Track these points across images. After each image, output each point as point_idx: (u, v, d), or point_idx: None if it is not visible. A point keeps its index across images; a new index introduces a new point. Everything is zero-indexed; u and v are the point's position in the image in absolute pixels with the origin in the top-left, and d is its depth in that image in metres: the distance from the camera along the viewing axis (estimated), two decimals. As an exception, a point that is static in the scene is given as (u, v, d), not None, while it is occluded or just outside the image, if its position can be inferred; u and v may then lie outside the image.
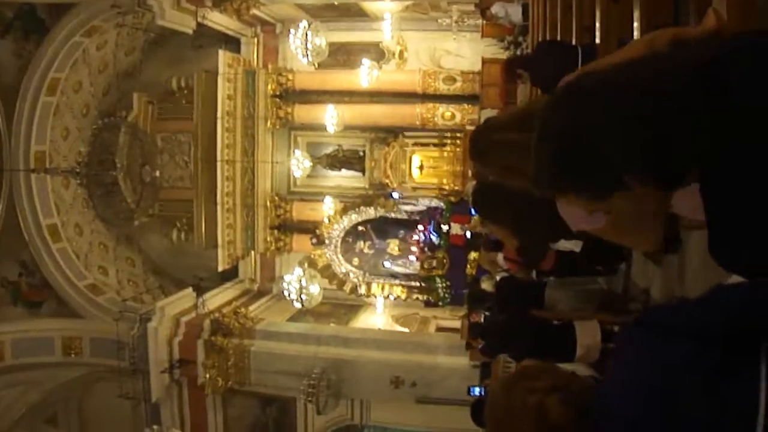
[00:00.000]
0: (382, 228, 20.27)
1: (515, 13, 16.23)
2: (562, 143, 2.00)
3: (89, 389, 20.83)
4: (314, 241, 19.82)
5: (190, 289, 19.94)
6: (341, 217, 20.17)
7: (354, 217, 20.15)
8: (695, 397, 1.90)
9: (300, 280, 18.68)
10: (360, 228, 20.20)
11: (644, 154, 1.89)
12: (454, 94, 20.73)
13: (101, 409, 20.45)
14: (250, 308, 20.45)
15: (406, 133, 21.18)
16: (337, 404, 18.17)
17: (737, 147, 1.85)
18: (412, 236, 19.70)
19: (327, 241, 19.91)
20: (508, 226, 4.63)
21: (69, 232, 20.56)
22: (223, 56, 20.66)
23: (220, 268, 21.19)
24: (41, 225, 19.78)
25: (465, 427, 9.78)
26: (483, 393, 14.23)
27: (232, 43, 21.90)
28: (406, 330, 21.07)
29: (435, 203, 19.79)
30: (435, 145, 21.16)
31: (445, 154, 21.04)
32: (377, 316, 21.78)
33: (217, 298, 20.64)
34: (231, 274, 22.42)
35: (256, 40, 22.02)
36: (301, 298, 18.65)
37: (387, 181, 21.20)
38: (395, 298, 20.41)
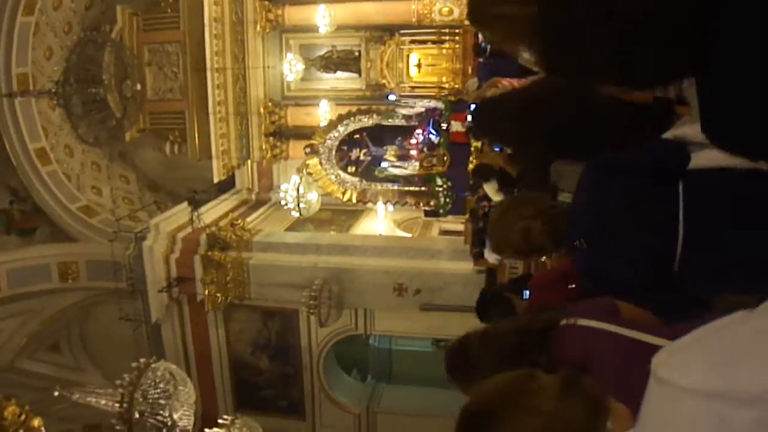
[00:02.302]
0: (379, 135, 19.49)
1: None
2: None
3: (90, 313, 20.45)
4: (308, 150, 19.14)
5: (185, 204, 19.30)
6: (336, 126, 19.41)
7: (349, 126, 19.40)
8: (629, 209, 2.89)
9: (297, 188, 18.15)
10: (356, 136, 19.46)
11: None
12: (450, -11, 19.87)
13: (104, 333, 20.06)
14: (248, 219, 19.89)
15: (403, 31, 20.36)
16: (340, 315, 17.72)
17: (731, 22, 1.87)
18: (410, 141, 18.94)
19: (321, 150, 19.18)
20: (508, 143, 5.00)
21: (59, 154, 19.93)
22: (208, -40, 19.76)
23: (215, 180, 20.69)
24: (29, 149, 19.12)
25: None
26: None
27: (219, -55, 20.93)
28: (409, 235, 20.59)
29: (433, 104, 18.98)
30: (433, 42, 20.37)
31: (444, 51, 20.29)
32: (379, 222, 21.32)
33: (214, 210, 20.00)
34: (228, 185, 21.86)
35: (242, -59, 21.06)
36: (299, 207, 18.15)
37: (384, 81, 20.53)
38: (394, 204, 19.77)
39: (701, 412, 1.45)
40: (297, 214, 18.41)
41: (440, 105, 18.61)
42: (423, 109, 18.70)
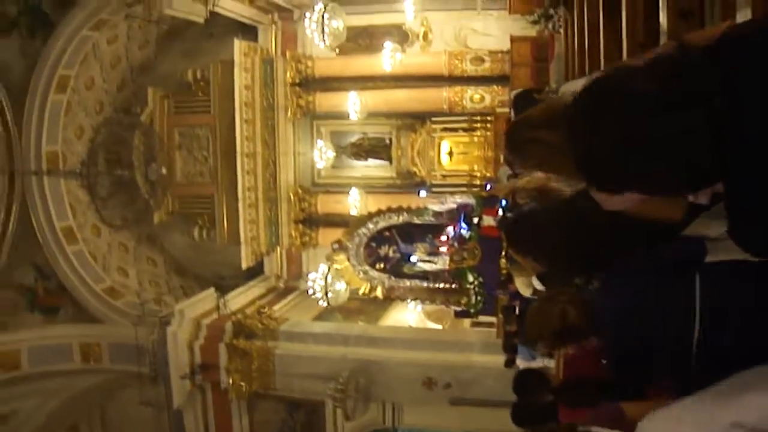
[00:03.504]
0: (409, 233, 19.22)
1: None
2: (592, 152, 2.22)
3: (111, 396, 20.13)
4: (336, 246, 18.90)
5: (211, 290, 19.16)
6: (365, 223, 19.18)
7: (379, 223, 19.16)
8: (650, 302, 3.15)
9: (325, 277, 17.93)
10: (385, 233, 19.21)
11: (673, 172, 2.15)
12: (482, 76, 19.80)
13: (124, 416, 19.81)
14: (276, 307, 19.62)
15: (434, 119, 20.18)
16: (367, 408, 17.30)
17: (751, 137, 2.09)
18: (440, 237, 18.65)
19: (349, 246, 18.92)
20: (540, 258, 4.53)
21: (86, 233, 19.87)
22: (239, 45, 19.81)
23: (243, 266, 20.40)
24: (55, 227, 19.05)
25: (502, 429, 9.40)
26: None
27: (249, 31, 21.00)
28: (439, 327, 20.26)
29: (464, 200, 18.72)
30: (464, 130, 20.16)
31: (476, 139, 20.07)
32: (408, 312, 20.92)
33: (241, 297, 19.82)
34: (257, 272, 21.61)
35: (273, 27, 21.06)
36: (327, 296, 17.93)
37: (415, 169, 20.33)
38: (423, 302, 19.40)
39: None
40: (325, 304, 18.16)
41: (471, 200, 18.35)
42: (454, 206, 18.41)
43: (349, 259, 18.66)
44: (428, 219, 18.71)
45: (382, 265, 18.90)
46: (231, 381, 17.56)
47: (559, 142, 2.70)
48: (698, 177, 2.19)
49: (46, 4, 18.00)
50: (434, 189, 20.15)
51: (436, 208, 18.60)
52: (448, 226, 18.26)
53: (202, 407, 18.68)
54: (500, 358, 14.78)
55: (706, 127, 2.03)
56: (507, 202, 13.86)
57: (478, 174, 19.99)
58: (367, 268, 18.83)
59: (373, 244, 19.01)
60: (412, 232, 18.93)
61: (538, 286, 9.69)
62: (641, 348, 3.23)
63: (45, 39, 18.23)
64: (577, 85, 6.22)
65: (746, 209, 2.20)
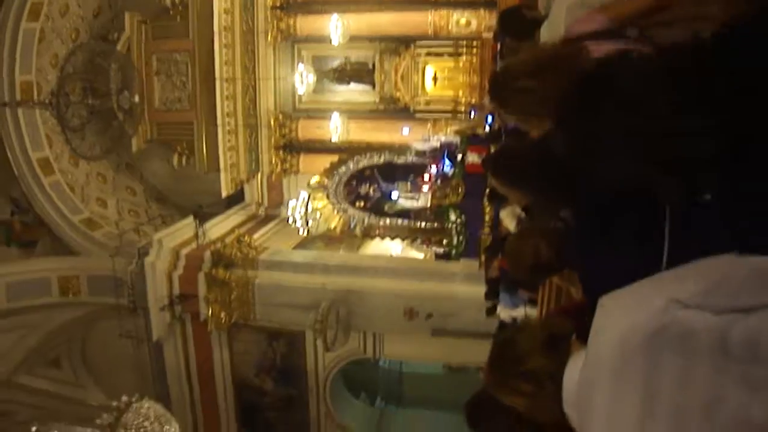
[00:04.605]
0: (390, 171, 18.89)
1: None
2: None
3: (91, 329, 19.91)
4: (314, 183, 18.59)
5: (190, 218, 18.76)
6: (346, 163, 18.83)
7: (360, 162, 18.80)
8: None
9: (306, 205, 17.60)
10: (366, 172, 18.87)
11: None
12: (469, 0, 19.32)
13: (105, 349, 19.61)
14: (256, 235, 19.29)
15: (418, 43, 19.65)
16: (347, 339, 17.09)
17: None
18: (422, 177, 18.28)
19: (328, 184, 18.59)
20: (525, 192, 4.55)
21: (63, 164, 19.49)
22: (218, -33, 19.20)
23: (223, 194, 20.08)
24: (31, 159, 18.69)
25: (484, 360, 8.87)
26: None
27: (228, -48, 20.41)
28: (421, 256, 19.94)
29: (448, 138, 18.31)
30: (450, 54, 19.64)
31: (461, 64, 19.54)
32: (390, 242, 20.62)
33: (221, 225, 19.48)
34: (238, 199, 21.27)
35: (252, -53, 20.51)
36: (307, 224, 17.62)
37: (398, 94, 19.84)
38: (403, 241, 19.08)
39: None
40: (304, 232, 17.86)
41: (455, 139, 17.94)
42: (437, 144, 18.04)
43: (328, 197, 18.36)
44: (411, 158, 18.37)
45: (362, 203, 18.63)
46: (210, 311, 17.37)
47: (544, 91, 2.73)
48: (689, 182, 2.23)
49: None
50: (418, 115, 19.72)
51: (419, 146, 18.26)
52: (431, 164, 17.89)
53: (182, 339, 18.54)
54: (482, 290, 14.60)
55: (715, 136, 2.03)
56: (493, 117, 13.48)
57: (463, 100, 19.53)
58: (346, 206, 18.57)
59: (354, 183, 18.72)
60: (394, 171, 18.65)
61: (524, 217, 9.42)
62: (614, 277, 2.85)
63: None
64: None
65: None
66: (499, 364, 2.87)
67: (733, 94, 2.02)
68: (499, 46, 14.09)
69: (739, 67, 2.07)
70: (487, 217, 15.58)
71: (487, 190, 13.51)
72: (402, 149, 18.60)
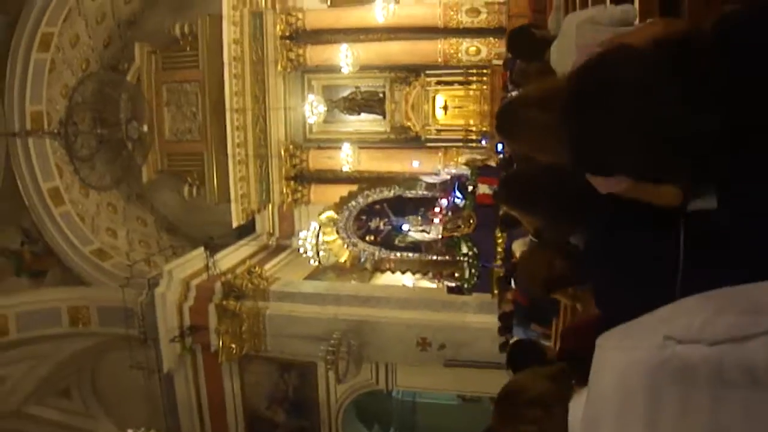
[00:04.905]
0: (401, 205, 18.84)
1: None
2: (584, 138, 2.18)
3: (101, 360, 19.91)
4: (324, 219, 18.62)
5: (200, 249, 18.72)
6: (356, 197, 18.79)
7: (370, 197, 18.76)
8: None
9: (316, 236, 17.55)
10: (376, 206, 18.84)
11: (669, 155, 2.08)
12: (478, 27, 19.29)
13: (115, 380, 19.58)
14: (267, 266, 19.23)
15: (428, 72, 19.68)
16: (359, 370, 16.98)
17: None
18: (433, 210, 18.19)
19: (338, 218, 18.56)
20: (538, 216, 4.52)
21: (73, 194, 19.58)
22: (227, -2, 19.25)
23: (234, 224, 20.05)
24: (41, 189, 18.74)
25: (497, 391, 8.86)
26: None
27: (238, -18, 20.46)
28: (433, 286, 19.85)
29: (459, 170, 18.24)
30: (460, 83, 19.69)
31: (471, 92, 19.61)
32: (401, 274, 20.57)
33: (232, 256, 19.43)
34: (250, 229, 21.22)
35: (262, -23, 20.57)
36: (318, 255, 17.57)
37: (409, 123, 19.80)
38: (414, 274, 18.99)
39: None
40: (315, 263, 17.81)
41: (466, 171, 17.88)
42: (448, 177, 17.97)
43: (338, 232, 18.33)
44: (421, 192, 18.32)
45: (372, 237, 18.58)
46: (221, 343, 17.30)
47: (553, 123, 2.44)
48: (699, 173, 2.18)
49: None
50: (429, 144, 19.75)
51: (430, 179, 18.20)
52: (441, 197, 17.81)
53: (193, 370, 18.48)
54: (494, 319, 14.51)
55: (718, 130, 1.98)
56: (504, 145, 13.42)
57: (474, 128, 19.50)
58: (356, 240, 18.53)
59: (364, 217, 18.67)
60: (404, 205, 18.60)
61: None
62: (628, 297, 3.03)
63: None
64: (581, 16, 5.78)
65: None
66: (506, 396, 2.95)
67: (736, 82, 2.00)
68: (508, 74, 14.04)
69: (741, 54, 2.08)
70: (499, 249, 15.48)
71: (500, 218, 13.45)
72: (412, 183, 18.54)
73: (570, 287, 5.06)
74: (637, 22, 5.24)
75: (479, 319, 15.94)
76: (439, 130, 19.88)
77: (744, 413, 1.84)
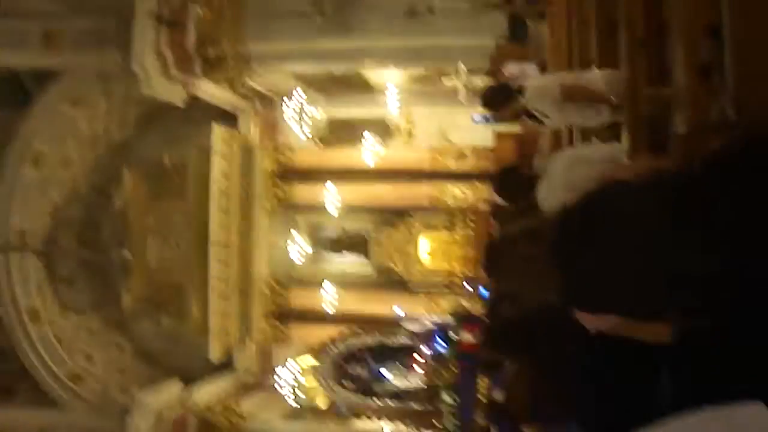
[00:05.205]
0: (381, 353, 18.81)
1: (533, 72, 14.73)
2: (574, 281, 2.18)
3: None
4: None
5: (176, 381, 18.54)
6: (335, 343, 18.79)
7: (350, 343, 18.75)
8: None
9: (295, 375, 17.44)
10: (357, 353, 18.82)
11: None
12: (465, 172, 19.58)
13: None
14: (244, 403, 19.03)
15: (414, 214, 19.90)
16: None
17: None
18: (414, 358, 18.10)
19: (317, 365, 18.52)
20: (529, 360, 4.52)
21: (52, 315, 19.35)
22: (218, 131, 19.37)
23: (211, 358, 19.71)
24: (20, 307, 18.68)
25: None
26: None
27: (230, 118, 20.64)
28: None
29: (442, 320, 18.20)
30: (445, 227, 19.84)
31: (457, 237, 19.75)
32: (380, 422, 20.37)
33: (209, 389, 19.18)
34: (227, 363, 20.91)
35: (254, 114, 20.74)
36: (297, 395, 17.41)
37: (392, 265, 19.86)
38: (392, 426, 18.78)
39: None
40: (293, 403, 17.65)
41: (449, 320, 17.83)
42: (431, 326, 17.94)
43: (316, 377, 18.24)
44: (402, 340, 18.27)
45: (351, 384, 18.49)
46: (194, 481, 16.91)
47: (541, 256, 2.49)
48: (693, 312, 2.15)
49: (25, 76, 17.88)
50: (413, 287, 19.81)
51: (412, 327, 18.14)
52: (423, 345, 17.72)
53: (164, 508, 18.01)
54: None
55: (707, 257, 2.00)
56: (489, 291, 13.45)
57: (459, 273, 19.56)
58: (335, 386, 18.45)
59: (343, 363, 18.60)
60: (385, 352, 18.52)
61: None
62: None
63: (21, 111, 18.09)
64: (570, 155, 5.95)
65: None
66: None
67: (728, 211, 2.02)
68: (493, 219, 14.15)
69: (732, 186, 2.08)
70: (481, 398, 15.32)
71: (483, 362, 13.43)
72: (393, 330, 18.50)
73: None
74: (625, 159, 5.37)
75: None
76: (423, 273, 19.92)
77: None
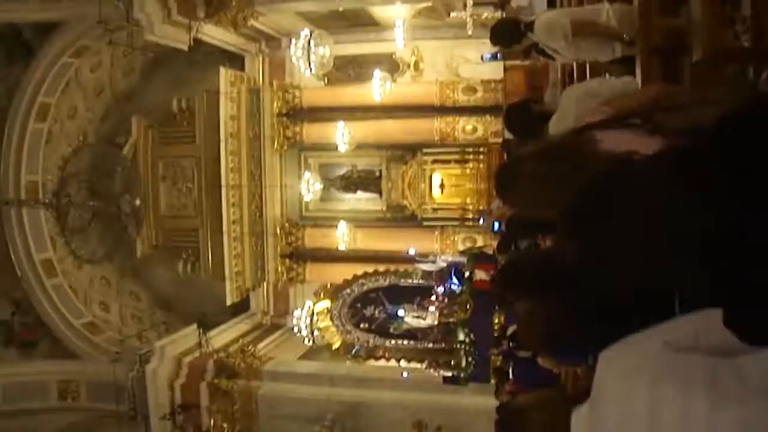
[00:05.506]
0: (396, 294, 18.67)
1: (540, 3, 14.48)
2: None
3: (90, 436, 19.46)
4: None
5: (193, 326, 18.59)
6: (350, 285, 18.67)
7: (365, 285, 18.63)
8: None
9: (311, 316, 17.38)
10: (371, 295, 18.69)
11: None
12: (475, 106, 19.35)
13: (103, 457, 19.14)
14: (260, 345, 19.06)
15: (425, 150, 19.69)
16: (354, 452, 16.67)
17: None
18: (429, 298, 17.97)
19: (332, 306, 18.43)
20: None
21: (66, 266, 19.31)
22: (225, 74, 19.23)
23: (228, 302, 19.73)
24: (34, 260, 18.58)
25: None
26: None
27: (236, 60, 20.52)
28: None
29: (455, 258, 18.04)
30: (456, 161, 19.67)
31: (468, 171, 19.56)
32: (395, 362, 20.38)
33: (226, 334, 19.28)
34: (244, 307, 20.99)
35: (260, 55, 20.64)
36: (312, 335, 17.39)
37: (405, 202, 19.79)
38: (407, 370, 18.66)
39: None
40: (310, 343, 17.63)
41: (462, 259, 17.67)
42: (444, 265, 17.76)
43: (332, 319, 18.17)
44: (417, 281, 18.18)
45: (366, 325, 18.40)
46: (213, 422, 17.02)
47: (551, 173, 2.77)
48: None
49: (26, 29, 17.58)
50: (426, 223, 19.76)
51: (426, 267, 18.02)
52: (437, 285, 17.61)
53: (184, 449, 18.07)
54: (492, 400, 14.30)
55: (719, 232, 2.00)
56: (500, 225, 13.35)
57: (471, 207, 19.45)
58: (351, 327, 18.36)
59: (358, 305, 18.51)
60: (400, 293, 18.42)
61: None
62: None
63: (25, 65, 17.83)
64: (580, 89, 5.80)
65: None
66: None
67: (739, 184, 2.02)
68: (505, 154, 13.97)
69: (742, 157, 2.07)
70: (496, 335, 15.26)
71: (499, 296, 13.31)
72: (407, 272, 18.40)
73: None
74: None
75: (476, 401, 15.61)
76: (435, 209, 19.81)
77: (740, 423, 1.95)
